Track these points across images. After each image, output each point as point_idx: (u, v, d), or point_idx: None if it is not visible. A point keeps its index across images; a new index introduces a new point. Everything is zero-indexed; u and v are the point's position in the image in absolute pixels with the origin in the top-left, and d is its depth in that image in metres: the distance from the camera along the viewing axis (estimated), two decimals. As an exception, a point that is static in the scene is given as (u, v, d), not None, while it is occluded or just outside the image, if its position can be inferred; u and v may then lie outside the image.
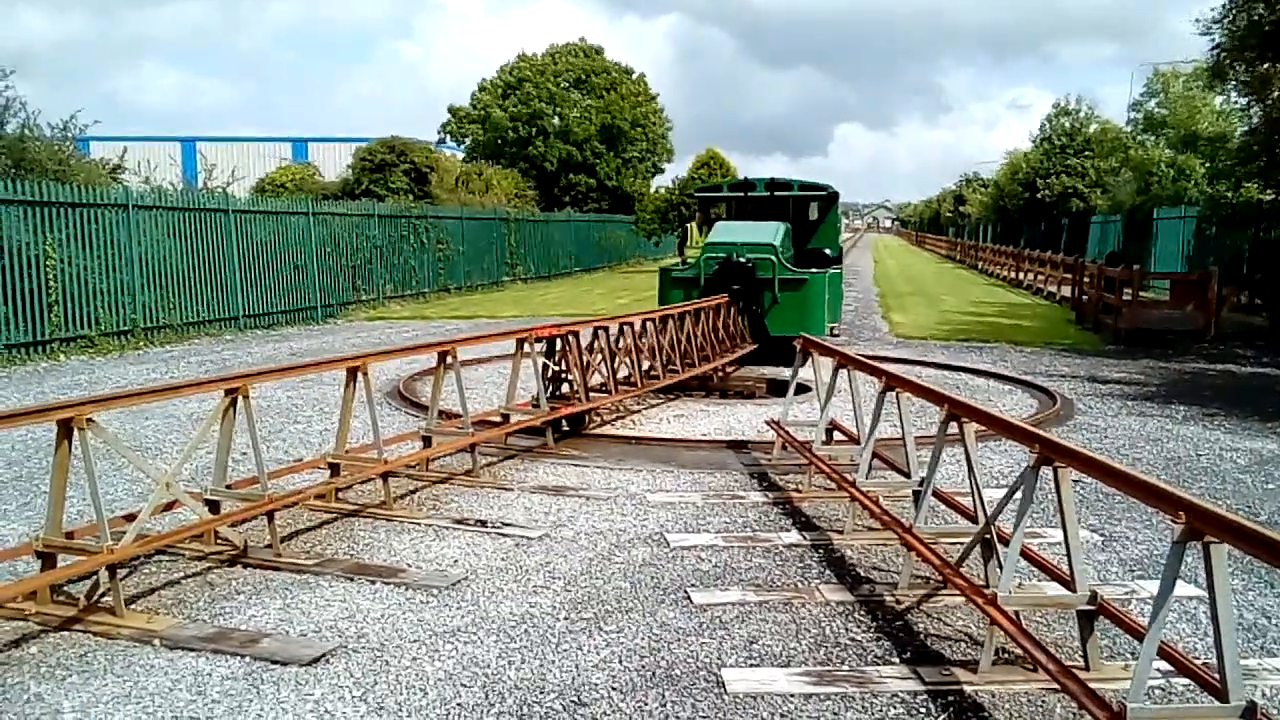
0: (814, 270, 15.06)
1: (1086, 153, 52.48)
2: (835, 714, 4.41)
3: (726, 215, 17.49)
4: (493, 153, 49.07)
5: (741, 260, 14.16)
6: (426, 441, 8.32)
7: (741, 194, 17.31)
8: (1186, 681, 4.44)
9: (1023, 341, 19.35)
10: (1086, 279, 24.24)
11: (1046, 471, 4.68)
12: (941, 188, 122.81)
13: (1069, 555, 4.64)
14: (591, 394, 10.14)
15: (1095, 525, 7.23)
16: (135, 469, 7.89)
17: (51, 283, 15.70)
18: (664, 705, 4.48)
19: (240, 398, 6.27)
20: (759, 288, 14.41)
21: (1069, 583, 4.77)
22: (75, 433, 5.30)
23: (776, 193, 17.09)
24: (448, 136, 52.75)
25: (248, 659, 4.87)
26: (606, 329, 10.60)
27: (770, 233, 14.85)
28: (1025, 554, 5.54)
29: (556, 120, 50.75)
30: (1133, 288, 20.44)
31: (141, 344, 17.15)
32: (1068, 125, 55.68)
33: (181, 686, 4.59)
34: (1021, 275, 38.19)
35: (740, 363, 14.44)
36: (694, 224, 38.96)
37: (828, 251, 17.04)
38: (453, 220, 30.28)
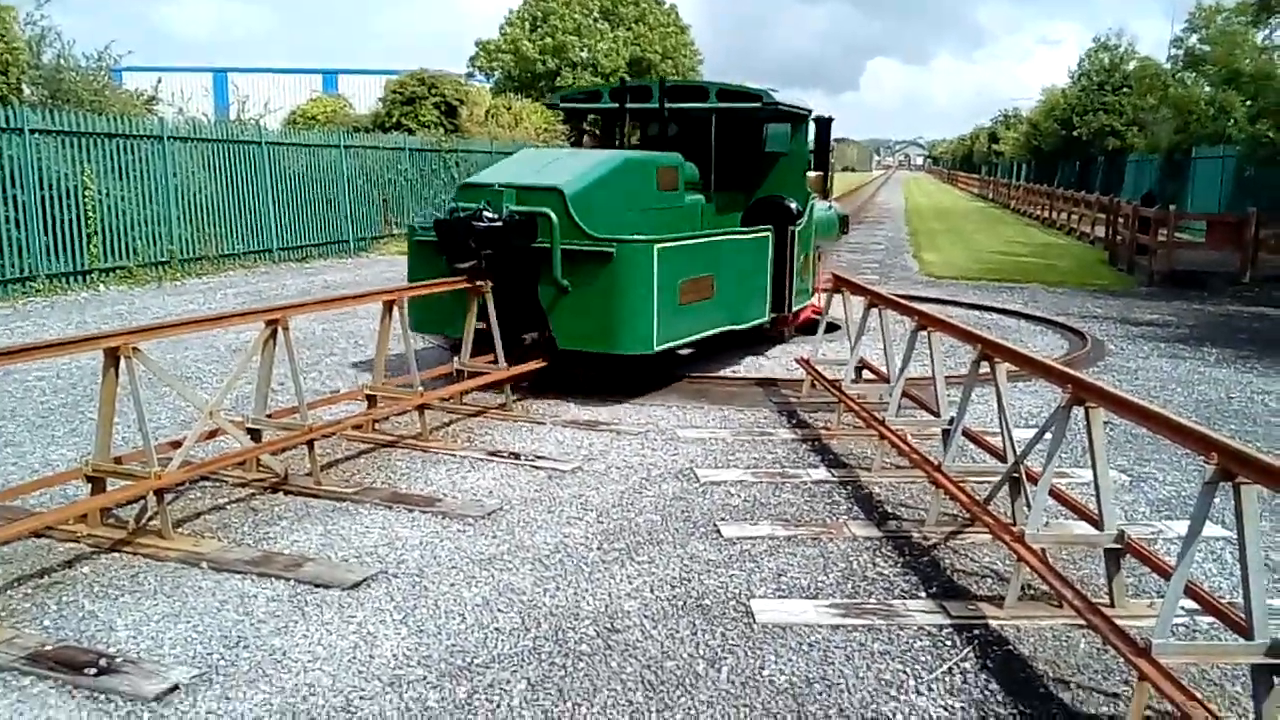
0: (637, 238, 8.42)
1: (1124, 90, 51.32)
2: (862, 644, 4.52)
3: (612, 138, 11.49)
4: (522, 85, 48.64)
5: (488, 216, 8.21)
6: (460, 375, 8.42)
7: (617, 105, 10.70)
8: (1212, 620, 4.51)
9: (1055, 282, 19.20)
10: (1121, 219, 23.92)
11: (1076, 411, 4.72)
12: (975, 125, 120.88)
13: (1098, 494, 4.69)
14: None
15: (1124, 466, 7.26)
16: (178, 397, 8.06)
17: (90, 214, 15.83)
18: (694, 633, 4.60)
19: (280, 329, 6.38)
20: (530, 264, 8.49)
21: (1097, 521, 4.83)
22: (122, 361, 5.43)
23: (672, 105, 10.72)
24: (477, 70, 52.30)
25: (292, 582, 5.03)
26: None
27: (576, 169, 8.90)
28: (1053, 493, 5.60)
29: (584, 53, 50.14)
30: (1168, 229, 20.17)
31: (178, 275, 17.33)
32: (1106, 61, 54.37)
33: (229, 607, 4.76)
34: (1055, 215, 37.68)
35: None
36: None
37: (792, 204, 11.09)
38: (483, 154, 30.12)
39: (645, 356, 8.57)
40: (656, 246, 8.41)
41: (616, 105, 10.75)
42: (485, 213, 8.23)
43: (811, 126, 11.65)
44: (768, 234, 10.44)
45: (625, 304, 8.35)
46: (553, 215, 8.27)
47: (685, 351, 9.34)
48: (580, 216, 8.37)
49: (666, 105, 10.66)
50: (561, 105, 12.57)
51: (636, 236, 8.49)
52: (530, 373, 8.73)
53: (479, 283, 8.29)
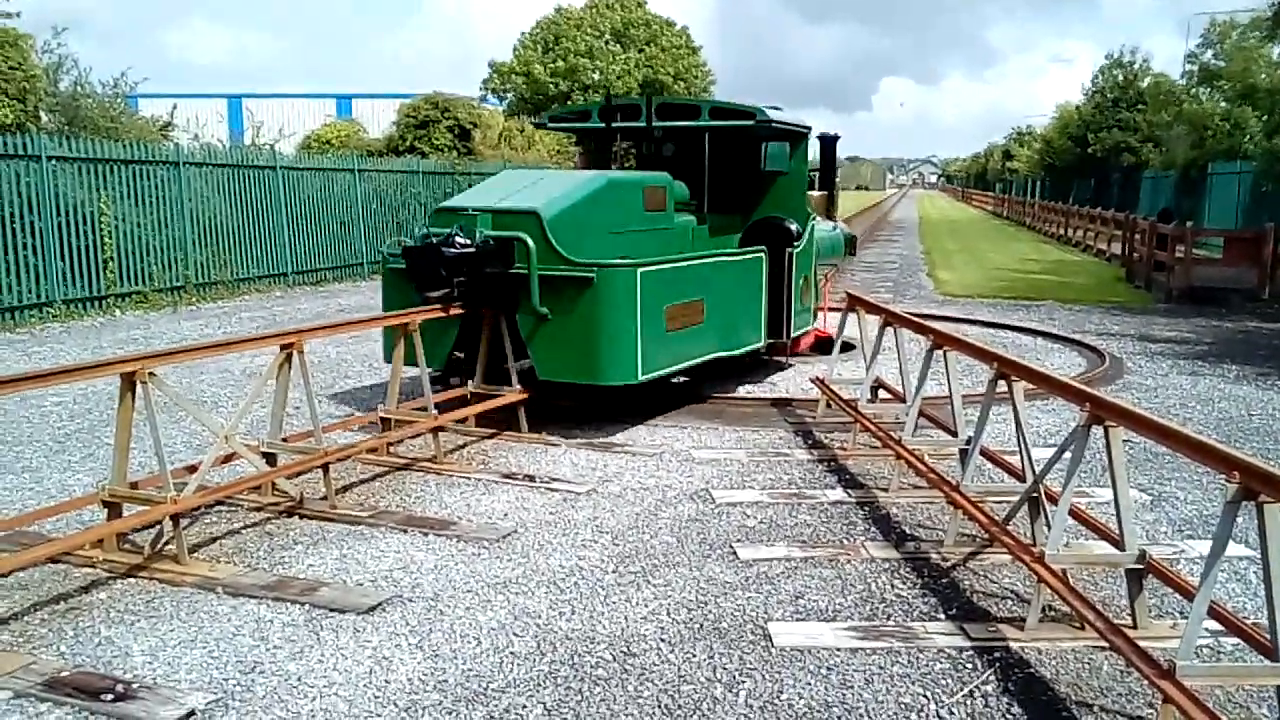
0: (619, 262, 8.07)
1: (1139, 106, 51.26)
2: (881, 668, 4.47)
3: (597, 159, 11.39)
4: (535, 108, 48.90)
5: (460, 242, 7.78)
6: (474, 398, 8.41)
7: (604, 125, 10.38)
8: (1236, 641, 4.45)
9: (1071, 299, 19.11)
10: (1137, 236, 23.81)
11: (1095, 430, 4.67)
12: (988, 142, 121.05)
13: (1118, 514, 4.64)
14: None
15: (1144, 485, 7.19)
16: (194, 422, 8.08)
17: (106, 239, 15.94)
18: (712, 657, 4.56)
19: (295, 353, 6.40)
20: (508, 291, 8.07)
21: (1118, 541, 4.78)
22: (138, 386, 5.44)
23: (659, 124, 10.31)
24: (489, 93, 52.58)
25: (307, 606, 5.01)
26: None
27: (556, 191, 8.49)
28: (1073, 513, 5.54)
29: (595, 75, 50.37)
30: (1185, 245, 20.07)
31: (194, 300, 17.43)
32: (1120, 78, 54.37)
33: (245, 632, 4.74)
34: (1070, 232, 37.58)
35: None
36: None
37: (791, 225, 10.66)
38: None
39: (631, 387, 8.18)
40: (640, 270, 8.00)
41: (604, 124, 10.35)
42: (457, 238, 7.79)
43: (814, 144, 11.21)
44: (761, 256, 9.97)
45: (607, 332, 7.90)
46: (529, 240, 7.84)
47: (679, 380, 9.18)
48: (559, 240, 7.93)
49: (657, 124, 10.26)
50: (550, 125, 12.03)
51: (618, 260, 8.10)
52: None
53: (494, 310, 8.23)
